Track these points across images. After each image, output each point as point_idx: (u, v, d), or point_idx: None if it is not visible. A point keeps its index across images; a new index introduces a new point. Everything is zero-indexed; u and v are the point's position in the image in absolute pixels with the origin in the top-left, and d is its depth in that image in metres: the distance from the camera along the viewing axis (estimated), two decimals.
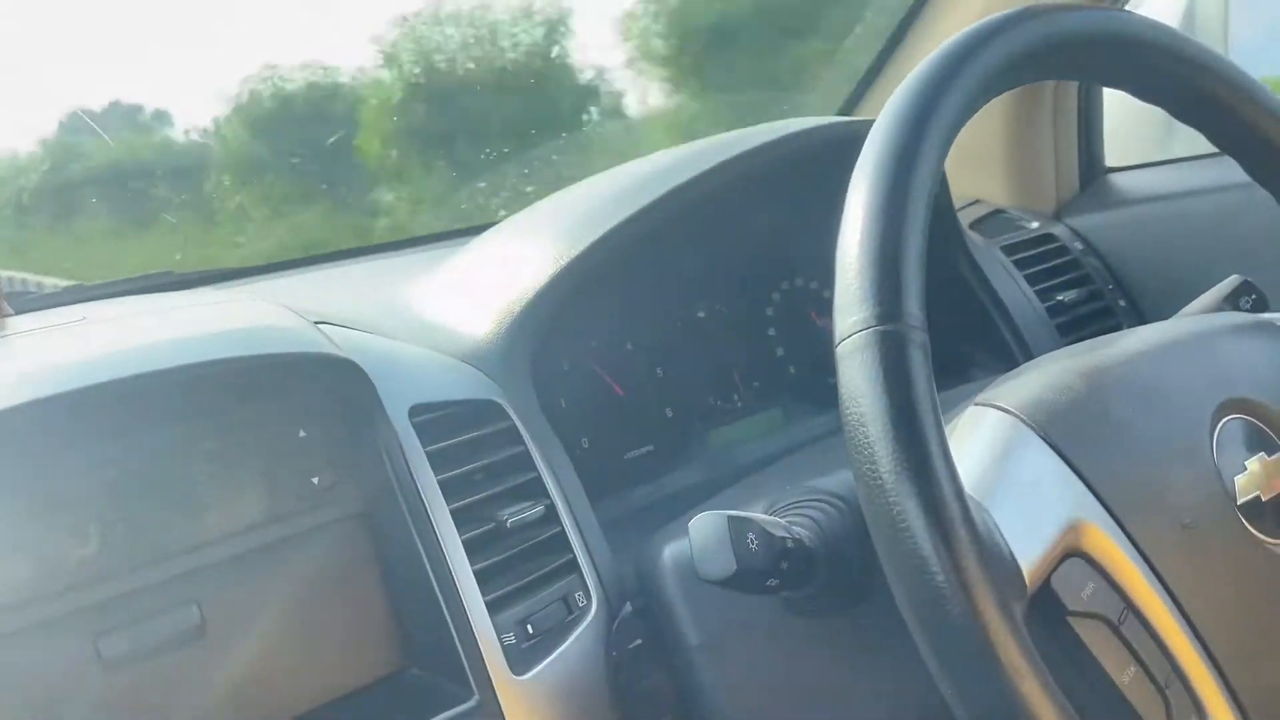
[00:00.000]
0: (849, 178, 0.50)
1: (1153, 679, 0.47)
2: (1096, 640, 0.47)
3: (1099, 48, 0.57)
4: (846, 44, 1.35)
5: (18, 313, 0.76)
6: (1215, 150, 0.63)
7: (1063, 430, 0.52)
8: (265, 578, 0.61)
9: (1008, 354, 0.99)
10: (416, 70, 1.60)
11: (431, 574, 0.62)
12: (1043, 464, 0.51)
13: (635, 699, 0.67)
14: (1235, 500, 0.53)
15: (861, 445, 0.45)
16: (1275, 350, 0.61)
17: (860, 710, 0.63)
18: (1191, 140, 0.69)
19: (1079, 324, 1.02)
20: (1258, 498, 0.54)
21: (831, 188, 0.57)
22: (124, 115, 1.47)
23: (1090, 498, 0.50)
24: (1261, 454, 0.55)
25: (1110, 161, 1.21)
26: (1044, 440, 0.52)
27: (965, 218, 1.09)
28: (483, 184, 1.39)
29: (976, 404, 0.57)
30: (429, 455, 0.65)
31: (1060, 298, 1.03)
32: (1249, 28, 1.20)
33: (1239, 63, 0.60)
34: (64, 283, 0.97)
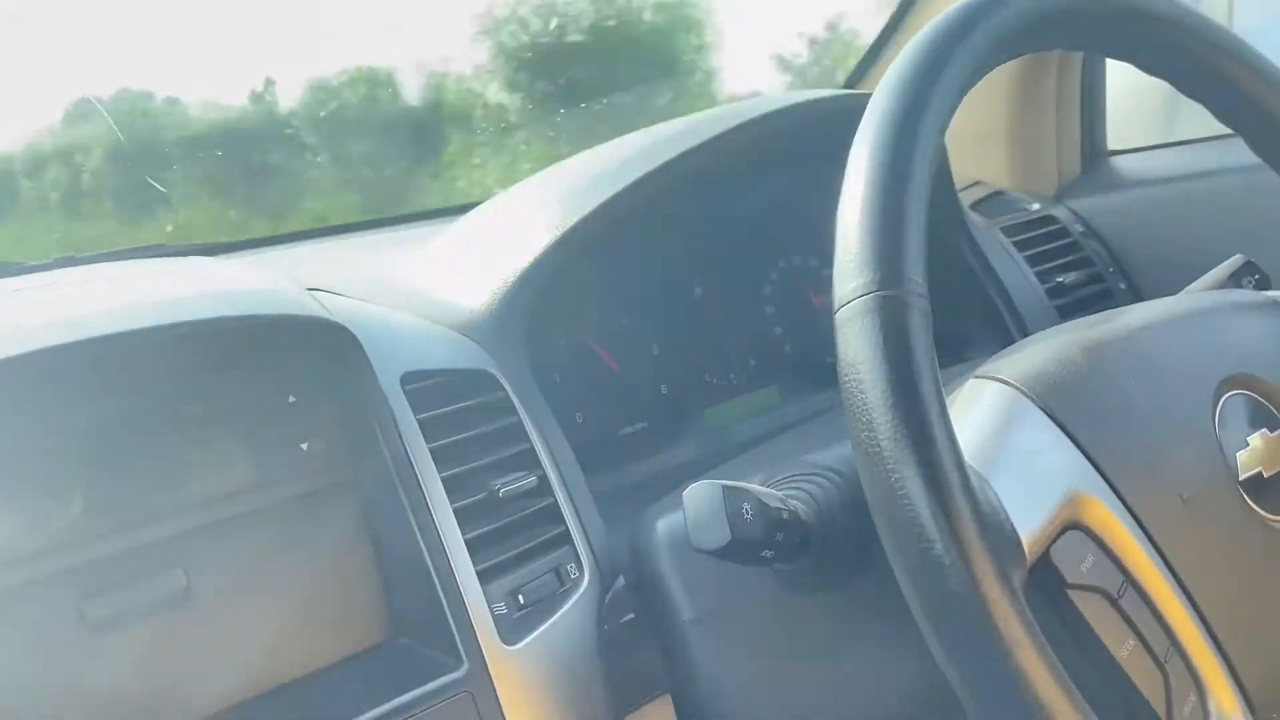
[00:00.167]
0: (849, 152, 0.49)
1: (1151, 653, 0.47)
2: (1095, 613, 0.47)
3: (1103, 18, 0.56)
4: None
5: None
6: (1216, 134, 0.63)
7: (1063, 403, 0.52)
8: (253, 544, 0.61)
9: (1007, 335, 0.98)
10: None
11: (422, 542, 0.61)
12: (1043, 435, 0.51)
13: (626, 673, 0.66)
14: (1237, 476, 0.53)
15: (860, 412, 0.44)
16: (1279, 327, 0.60)
17: (852, 686, 0.63)
18: (1197, 117, 0.68)
19: (1079, 306, 1.01)
20: (1259, 473, 0.53)
21: (831, 162, 0.56)
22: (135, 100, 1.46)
23: (1091, 470, 0.50)
24: (1264, 430, 0.54)
25: (1111, 145, 1.21)
26: (1044, 412, 0.51)
27: (966, 199, 1.09)
28: None
29: (976, 377, 0.56)
30: (420, 423, 0.64)
31: (1060, 280, 1.02)
32: (1254, 14, 1.19)
33: None
34: None
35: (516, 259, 0.78)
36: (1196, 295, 0.66)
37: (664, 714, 0.67)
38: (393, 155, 1.57)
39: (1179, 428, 0.53)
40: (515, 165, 1.54)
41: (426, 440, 0.64)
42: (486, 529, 0.64)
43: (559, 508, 0.69)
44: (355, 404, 0.64)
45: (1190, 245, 1.02)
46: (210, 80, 1.44)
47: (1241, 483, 0.52)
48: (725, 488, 0.53)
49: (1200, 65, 0.59)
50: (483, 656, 0.60)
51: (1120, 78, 1.20)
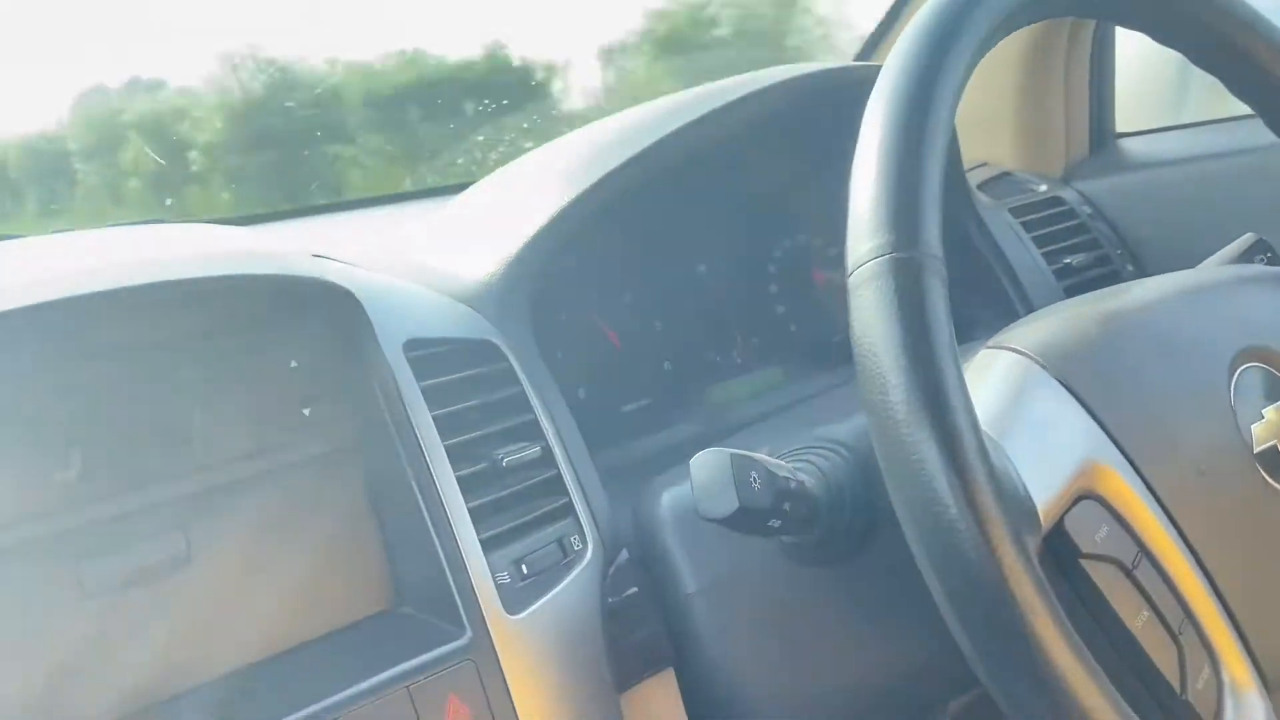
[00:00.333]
0: (858, 126, 0.48)
1: (1165, 624, 0.46)
2: (1109, 584, 0.46)
3: None
4: None
5: None
6: (1224, 116, 0.62)
7: (1078, 372, 0.51)
8: (253, 508, 0.60)
9: (1014, 316, 0.97)
10: None
11: (425, 510, 0.61)
12: (1057, 404, 0.50)
13: (630, 646, 0.66)
14: (1252, 448, 0.52)
15: (874, 376, 0.43)
16: None
17: (855, 660, 0.62)
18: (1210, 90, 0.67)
19: (1086, 287, 1.00)
20: (1274, 446, 0.53)
21: (840, 138, 0.56)
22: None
23: (1105, 440, 0.49)
24: (1279, 403, 0.54)
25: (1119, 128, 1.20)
26: (1059, 381, 0.51)
27: (973, 179, 1.08)
28: None
29: (989, 347, 0.55)
30: (424, 391, 0.64)
31: (1068, 260, 1.01)
32: None
33: None
34: None
35: (521, 230, 0.77)
36: (1211, 269, 0.65)
37: (667, 687, 0.67)
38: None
39: (1194, 400, 0.52)
40: None
41: (430, 408, 0.63)
42: (489, 498, 0.63)
43: (562, 479, 0.68)
44: (358, 370, 0.63)
45: (1197, 228, 1.02)
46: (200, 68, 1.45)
47: (1257, 455, 0.52)
48: (733, 455, 0.52)
49: (1215, 36, 0.58)
50: (486, 625, 0.59)
51: (1128, 64, 1.19)
